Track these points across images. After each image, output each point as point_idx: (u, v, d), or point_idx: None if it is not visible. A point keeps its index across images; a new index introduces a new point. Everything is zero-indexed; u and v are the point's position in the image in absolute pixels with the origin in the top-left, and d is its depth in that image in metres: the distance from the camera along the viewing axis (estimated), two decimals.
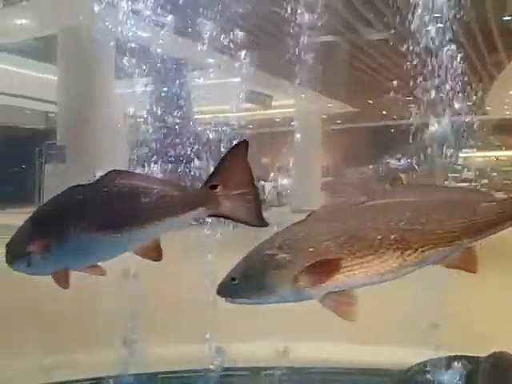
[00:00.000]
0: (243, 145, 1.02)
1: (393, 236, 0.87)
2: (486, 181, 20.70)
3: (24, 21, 9.33)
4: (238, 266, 0.89)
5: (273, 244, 0.87)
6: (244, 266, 0.87)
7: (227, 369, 1.42)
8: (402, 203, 0.94)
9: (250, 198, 1.00)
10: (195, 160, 12.66)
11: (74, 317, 3.32)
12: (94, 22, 8.52)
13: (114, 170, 1.06)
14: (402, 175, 20.98)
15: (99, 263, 1.01)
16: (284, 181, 19.06)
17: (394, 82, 13.66)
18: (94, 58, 8.66)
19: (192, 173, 12.76)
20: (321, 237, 0.85)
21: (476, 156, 20.42)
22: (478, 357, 1.47)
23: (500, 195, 1.07)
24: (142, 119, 13.55)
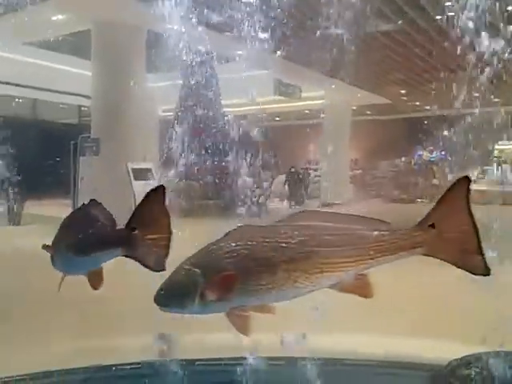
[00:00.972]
0: (161, 190, 1.07)
1: (283, 259, 0.89)
2: None
3: (60, 16, 9.58)
4: (168, 278, 0.95)
5: (191, 260, 0.93)
6: (169, 279, 0.93)
7: (256, 358, 1.44)
8: (303, 227, 0.94)
9: (161, 244, 1.05)
10: (223, 152, 12.75)
11: (116, 303, 3.42)
12: (126, 16, 8.68)
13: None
14: (435, 168, 20.43)
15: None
16: (312, 174, 18.91)
17: (428, 72, 13.31)
18: (126, 52, 8.82)
19: (222, 164, 12.85)
20: (225, 255, 0.90)
21: None
22: None
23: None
24: (172, 112, 13.72)
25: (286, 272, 0.88)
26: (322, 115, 17.90)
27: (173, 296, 0.90)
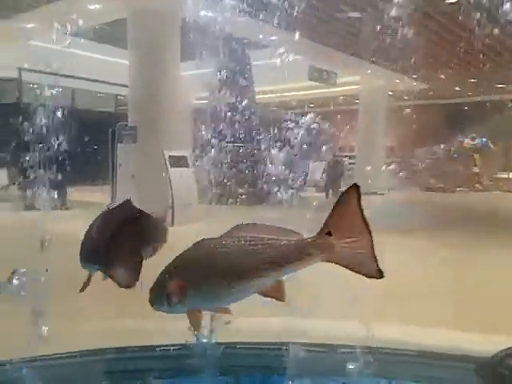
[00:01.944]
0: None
1: (222, 268, 1.05)
2: None
3: (96, 5, 9.75)
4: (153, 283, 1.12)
5: (168, 267, 1.10)
6: (155, 282, 1.11)
7: (305, 344, 1.44)
8: (239, 239, 1.07)
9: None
10: (257, 140, 12.70)
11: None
12: (161, 4, 8.74)
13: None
14: (476, 155, 19.66)
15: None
16: (346, 162, 18.61)
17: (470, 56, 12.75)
18: (162, 40, 8.89)
19: (255, 151, 12.83)
20: (181, 264, 1.09)
21: None
22: None
23: None
24: (206, 100, 13.77)
25: (224, 280, 1.05)
26: (357, 101, 17.55)
27: (154, 297, 1.10)
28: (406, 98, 20.45)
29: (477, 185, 18.68)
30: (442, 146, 20.25)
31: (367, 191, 14.03)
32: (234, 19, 8.73)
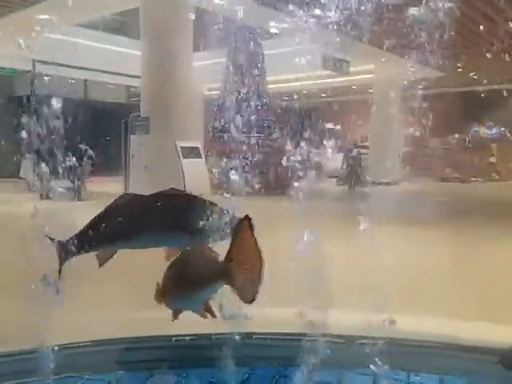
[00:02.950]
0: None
1: None
2: None
3: None
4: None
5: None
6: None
7: (325, 335, 1.42)
8: None
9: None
10: (268, 130, 12.61)
11: None
12: None
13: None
14: (493, 145, 19.29)
15: None
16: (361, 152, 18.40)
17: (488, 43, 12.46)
18: (174, 30, 8.85)
19: (267, 142, 12.76)
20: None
21: None
22: None
23: None
24: (218, 91, 13.71)
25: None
26: (371, 90, 17.31)
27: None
28: (420, 86, 20.12)
29: (493, 174, 18.37)
30: (457, 135, 19.92)
31: (381, 181, 13.90)
32: (246, 7, 8.63)
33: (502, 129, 19.02)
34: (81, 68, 15.47)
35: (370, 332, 1.47)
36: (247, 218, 1.12)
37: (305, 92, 20.26)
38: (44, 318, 1.33)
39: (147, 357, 1.64)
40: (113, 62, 15.14)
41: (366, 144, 18.43)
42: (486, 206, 10.78)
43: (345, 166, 14.90)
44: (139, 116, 9.33)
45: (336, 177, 15.54)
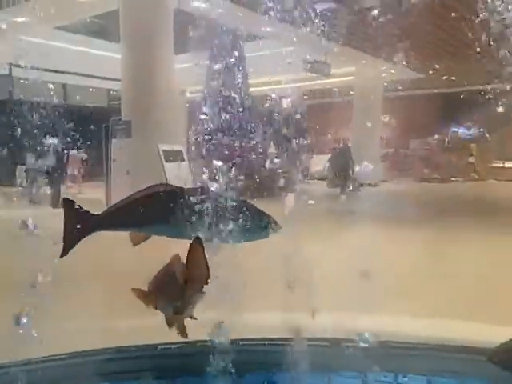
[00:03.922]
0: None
1: None
2: None
3: None
4: None
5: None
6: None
7: (312, 339, 1.40)
8: None
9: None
10: (250, 133, 12.61)
11: None
12: None
13: None
14: (472, 145, 19.68)
15: None
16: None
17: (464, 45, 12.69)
18: (155, 33, 8.78)
19: (250, 145, 12.74)
20: None
21: None
22: None
23: None
24: (199, 93, 13.65)
25: None
26: (352, 92, 17.48)
27: None
28: (400, 88, 20.41)
29: (472, 174, 18.74)
30: (437, 136, 20.28)
31: (362, 183, 13.98)
32: (227, 10, 8.61)
33: (481, 129, 19.43)
34: (60, 72, 15.23)
35: (351, 335, 1.47)
36: (198, 239, 1.20)
37: (287, 94, 20.33)
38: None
39: (131, 367, 1.59)
40: (93, 66, 14.95)
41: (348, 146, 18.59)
42: (465, 206, 10.99)
43: (331, 168, 14.68)
44: (120, 120, 9.22)
45: (324, 179, 15.57)
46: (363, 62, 13.23)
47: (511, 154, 19.41)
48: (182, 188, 1.35)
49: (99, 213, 1.34)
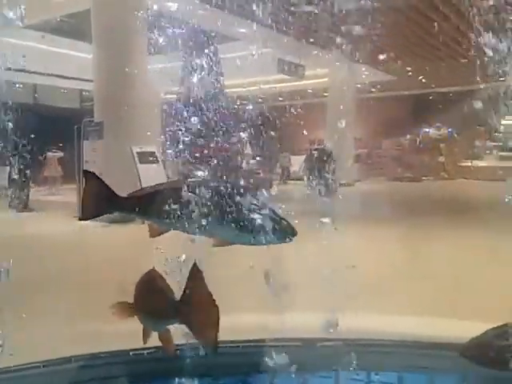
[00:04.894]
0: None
1: None
2: None
3: None
4: None
5: None
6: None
7: (278, 339, 1.41)
8: None
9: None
10: (227, 135, 12.56)
11: None
12: None
13: None
14: (442, 145, 20.19)
15: None
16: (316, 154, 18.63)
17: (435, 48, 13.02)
18: (127, 33, 8.65)
19: (226, 146, 12.72)
20: None
21: None
22: None
23: None
24: (174, 94, 13.56)
25: None
26: (326, 94, 17.67)
27: None
28: (373, 89, 20.76)
29: (442, 173, 19.24)
30: (408, 136, 20.72)
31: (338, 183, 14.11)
32: (202, 11, 8.57)
33: (450, 129, 19.96)
34: (29, 72, 14.83)
35: (323, 333, 1.48)
36: (196, 265, 1.19)
37: (262, 96, 20.39)
38: None
39: (104, 373, 1.57)
40: (64, 66, 14.62)
41: (322, 146, 18.78)
42: (436, 204, 11.30)
43: (308, 168, 14.67)
44: (92, 121, 9.04)
45: (300, 179, 15.59)
46: (337, 63, 13.39)
47: (479, 154, 20.03)
48: (209, 185, 1.33)
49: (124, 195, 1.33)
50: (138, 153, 8.27)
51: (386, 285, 4.09)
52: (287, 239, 1.32)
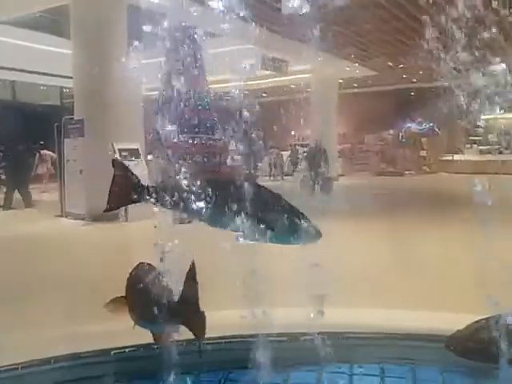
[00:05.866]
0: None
1: None
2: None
3: None
4: None
5: None
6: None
7: (267, 335, 1.41)
8: None
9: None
10: (210, 130, 12.53)
11: None
12: None
13: None
14: (423, 140, 20.46)
15: None
16: (300, 150, 18.74)
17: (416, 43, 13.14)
18: (107, 28, 8.52)
19: (209, 143, 12.66)
20: None
21: (503, 118, 19.40)
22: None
23: None
24: (156, 91, 13.42)
25: None
26: (309, 89, 17.72)
27: None
28: (355, 85, 20.89)
29: (424, 167, 19.52)
30: (391, 131, 20.92)
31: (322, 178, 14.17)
32: (184, 6, 8.47)
33: (431, 124, 20.23)
34: (7, 68, 14.51)
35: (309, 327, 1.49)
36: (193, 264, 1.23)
37: (245, 92, 20.33)
38: None
39: (88, 373, 1.55)
40: (43, 62, 14.33)
41: (306, 142, 18.87)
42: (417, 197, 11.48)
43: (293, 163, 14.64)
44: (73, 118, 8.89)
45: (287, 174, 15.63)
46: (319, 59, 13.43)
47: (459, 148, 20.37)
48: (235, 181, 1.33)
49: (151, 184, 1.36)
50: (120, 149, 8.17)
51: (369, 277, 4.13)
52: (313, 240, 1.35)
